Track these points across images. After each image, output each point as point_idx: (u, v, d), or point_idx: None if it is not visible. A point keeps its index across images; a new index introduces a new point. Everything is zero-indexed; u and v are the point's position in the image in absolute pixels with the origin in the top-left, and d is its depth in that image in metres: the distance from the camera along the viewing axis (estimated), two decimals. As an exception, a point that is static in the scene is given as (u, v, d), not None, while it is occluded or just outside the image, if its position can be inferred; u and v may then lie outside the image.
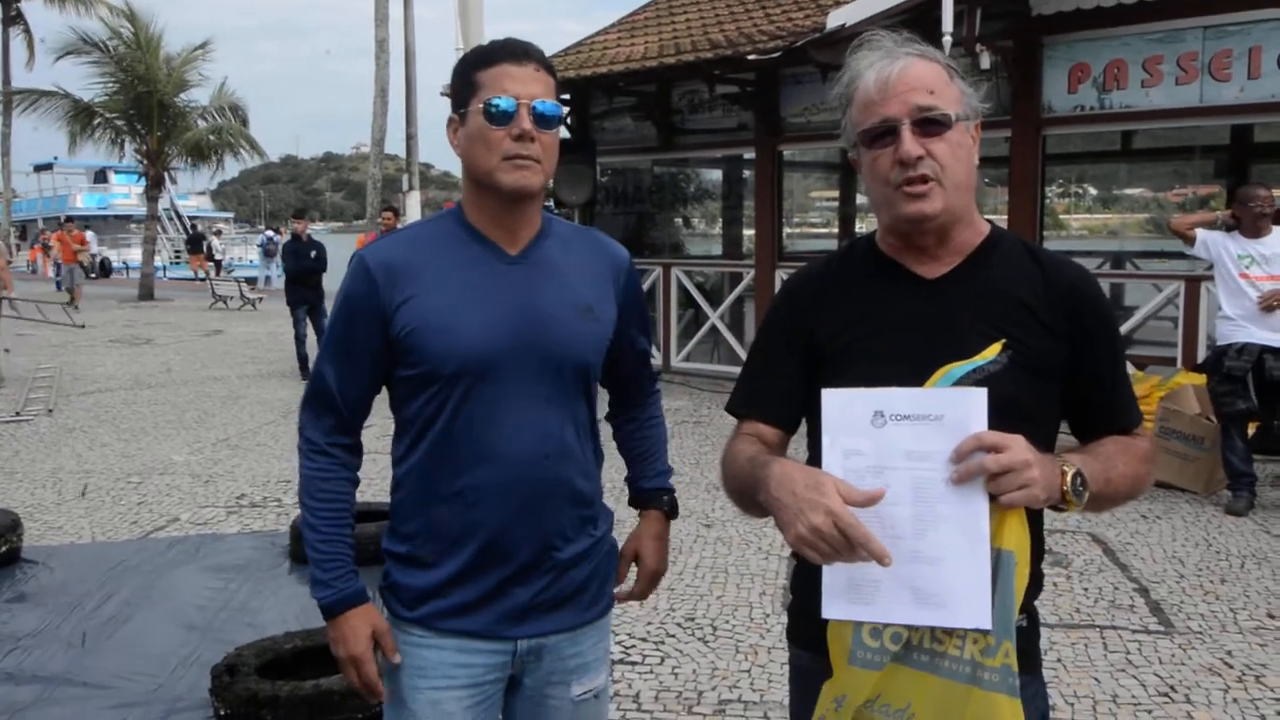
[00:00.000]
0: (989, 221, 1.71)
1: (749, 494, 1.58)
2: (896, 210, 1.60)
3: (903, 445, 1.44)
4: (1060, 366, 1.62)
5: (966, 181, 1.61)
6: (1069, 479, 1.47)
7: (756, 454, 1.63)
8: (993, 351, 1.56)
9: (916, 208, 1.57)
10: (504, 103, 1.77)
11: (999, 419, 1.46)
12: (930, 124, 1.56)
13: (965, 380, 1.54)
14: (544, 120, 1.80)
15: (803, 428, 1.75)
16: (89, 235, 30.33)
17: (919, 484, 1.43)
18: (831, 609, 1.48)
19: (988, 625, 1.41)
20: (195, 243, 35.96)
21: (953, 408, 1.44)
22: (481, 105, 1.78)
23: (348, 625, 1.84)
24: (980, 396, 1.43)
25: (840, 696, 1.53)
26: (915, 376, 1.55)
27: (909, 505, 1.43)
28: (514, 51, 1.82)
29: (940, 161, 1.56)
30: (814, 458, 1.66)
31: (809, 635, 1.69)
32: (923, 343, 1.59)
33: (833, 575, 1.47)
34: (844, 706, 1.53)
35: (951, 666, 1.46)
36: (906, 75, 1.57)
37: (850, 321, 1.66)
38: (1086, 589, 4.98)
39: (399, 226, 12.56)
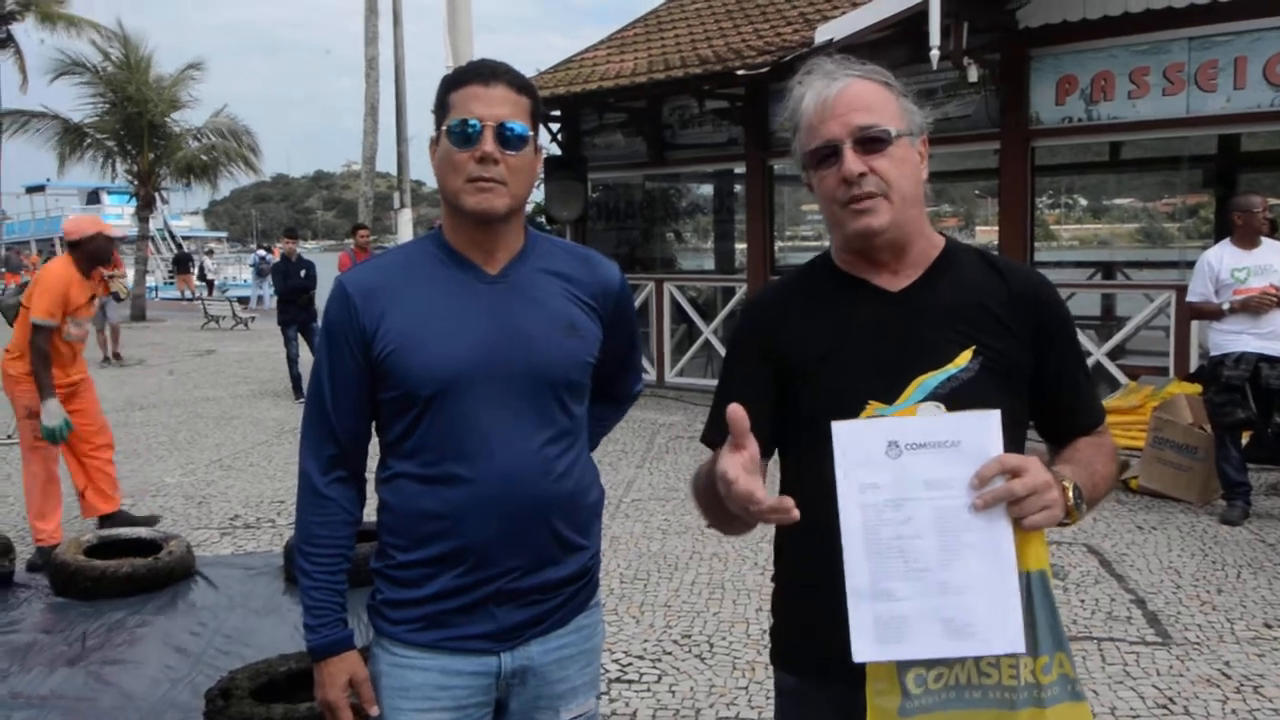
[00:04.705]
0: (942, 233, 1.71)
1: (717, 504, 1.53)
2: (846, 228, 1.61)
3: (921, 475, 1.41)
4: (1026, 371, 1.63)
5: (914, 195, 1.62)
6: (1070, 494, 1.47)
7: (707, 470, 1.61)
8: (964, 359, 1.57)
9: (864, 223, 1.58)
10: (467, 124, 1.76)
11: None
12: (871, 141, 1.56)
13: (940, 390, 1.55)
14: (509, 141, 1.77)
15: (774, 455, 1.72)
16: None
17: (941, 513, 1.40)
18: (862, 651, 1.42)
19: (1021, 649, 1.39)
20: (182, 263, 35.77)
21: (969, 432, 1.41)
22: (446, 127, 1.78)
23: (327, 671, 1.86)
24: (995, 419, 1.41)
25: None
26: (889, 389, 1.56)
27: (933, 536, 1.40)
28: (481, 73, 1.81)
29: (885, 177, 1.57)
30: (785, 490, 1.66)
31: (792, 657, 1.69)
32: (894, 355, 1.59)
33: (859, 615, 1.42)
34: None
35: (1008, 696, 1.43)
36: (845, 95, 1.59)
37: (818, 339, 1.65)
38: (1083, 600, 4.98)
39: (371, 246, 12.54)
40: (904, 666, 1.45)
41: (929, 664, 1.44)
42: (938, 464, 1.40)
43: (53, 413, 5.63)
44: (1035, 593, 1.42)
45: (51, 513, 5.88)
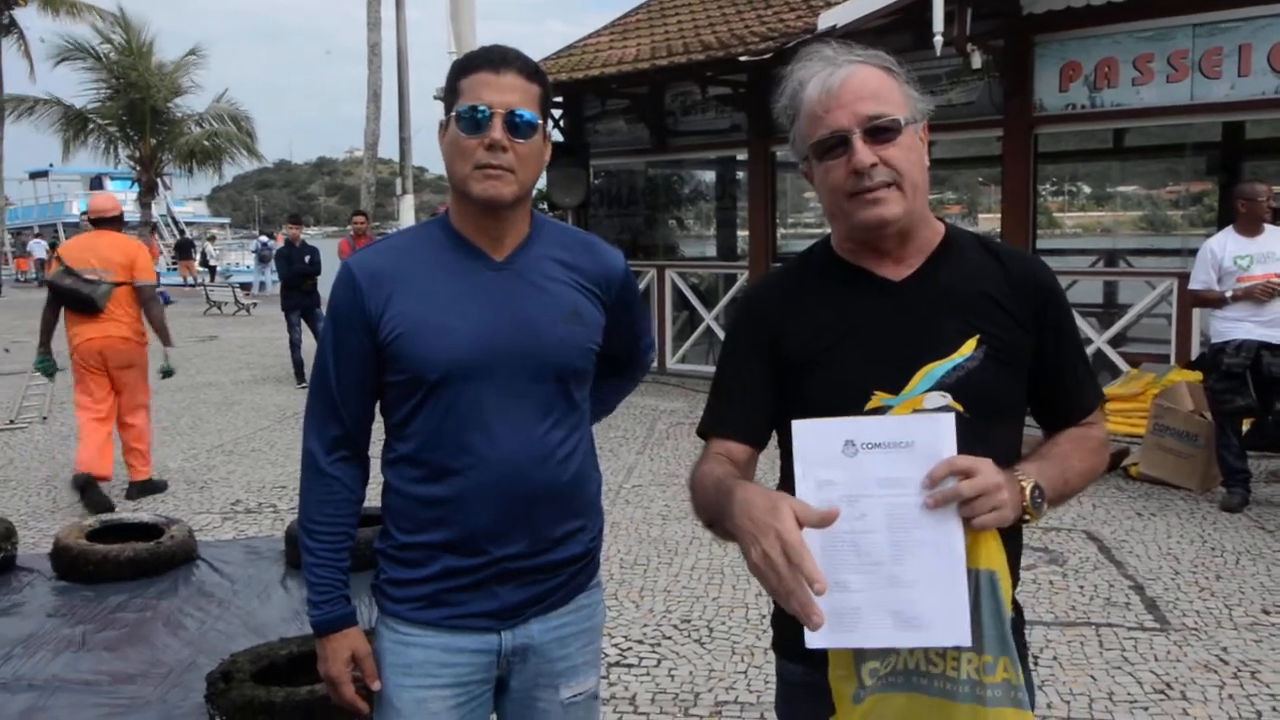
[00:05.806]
0: (941, 220, 1.70)
1: (718, 521, 1.52)
2: (855, 218, 1.58)
3: (875, 473, 1.44)
4: (1027, 356, 1.63)
5: (922, 183, 1.60)
6: (1028, 494, 1.48)
7: (724, 477, 1.56)
8: (969, 347, 1.58)
9: (876, 213, 1.56)
10: (477, 111, 1.76)
11: (980, 414, 1.47)
12: (881, 131, 1.54)
13: (946, 379, 1.56)
14: (518, 129, 1.77)
15: (772, 450, 1.70)
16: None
17: (893, 511, 1.44)
18: (814, 639, 1.45)
19: (968, 643, 1.42)
20: (183, 249, 35.74)
21: (922, 434, 1.44)
22: (455, 113, 1.78)
23: (330, 646, 1.88)
24: (948, 421, 1.43)
25: None
26: (894, 379, 1.56)
27: (885, 532, 1.43)
28: (492, 59, 1.80)
29: (896, 167, 1.55)
30: (785, 482, 1.66)
31: (793, 644, 1.68)
32: (898, 344, 1.58)
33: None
34: None
35: (949, 687, 1.47)
36: (850, 83, 1.55)
37: (821, 329, 1.63)
38: (1082, 586, 4.99)
39: (370, 232, 12.56)
40: (860, 659, 1.49)
41: (881, 654, 1.49)
42: (892, 463, 1.43)
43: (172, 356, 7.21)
44: (983, 591, 1.45)
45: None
